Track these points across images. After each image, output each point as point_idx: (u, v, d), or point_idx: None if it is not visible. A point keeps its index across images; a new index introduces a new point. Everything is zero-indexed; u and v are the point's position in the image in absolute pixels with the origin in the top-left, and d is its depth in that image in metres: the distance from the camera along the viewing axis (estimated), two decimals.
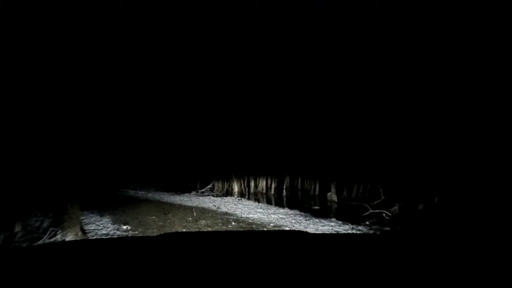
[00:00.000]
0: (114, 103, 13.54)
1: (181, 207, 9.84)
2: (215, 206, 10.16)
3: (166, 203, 10.46)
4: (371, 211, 9.98)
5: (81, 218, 7.93)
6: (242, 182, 14.31)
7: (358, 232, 7.37)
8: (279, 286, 1.05)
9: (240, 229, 6.79)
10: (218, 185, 14.43)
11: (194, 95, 14.09)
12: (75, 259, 1.30)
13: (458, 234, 7.24)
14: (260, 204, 11.02)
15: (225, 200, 11.34)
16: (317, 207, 11.15)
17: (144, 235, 6.27)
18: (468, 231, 7.29)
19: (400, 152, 11.73)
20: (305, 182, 15.46)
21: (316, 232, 6.47)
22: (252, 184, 14.55)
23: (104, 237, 6.30)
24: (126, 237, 1.76)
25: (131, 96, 13.81)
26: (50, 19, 11.25)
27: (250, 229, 6.70)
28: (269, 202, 12.18)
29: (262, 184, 14.63)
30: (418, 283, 1.09)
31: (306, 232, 1.66)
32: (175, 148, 14.58)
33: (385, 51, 10.76)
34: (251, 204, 10.78)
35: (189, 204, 10.43)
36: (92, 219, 7.82)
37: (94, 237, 6.34)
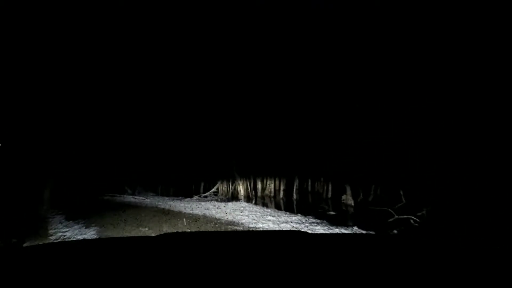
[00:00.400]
0: (112, 102, 12.67)
1: (180, 215, 8.72)
2: (219, 213, 9.02)
3: (164, 210, 9.34)
4: (397, 217, 8.78)
5: (63, 230, 6.87)
6: (248, 184, 13.14)
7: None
8: (279, 286, 1.05)
9: None
10: (222, 188, 13.30)
11: (197, 94, 13.24)
12: (75, 259, 1.30)
13: (458, 234, 7.18)
14: (268, 209, 9.88)
15: (230, 206, 10.18)
16: (332, 213, 10.01)
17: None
18: (468, 231, 7.19)
19: (422, 151, 10.59)
20: (315, 184, 14.25)
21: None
22: (259, 186, 13.39)
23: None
24: (126, 237, 1.73)
25: (130, 95, 12.95)
26: (50, 19, 10.99)
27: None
28: (278, 207, 11.11)
29: (270, 187, 13.47)
30: (418, 283, 1.08)
31: (306, 232, 1.65)
32: (177, 149, 13.47)
33: (385, 51, 10.62)
34: (259, 210, 9.63)
35: (190, 211, 9.31)
36: (76, 231, 6.72)
37: None
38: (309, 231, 6.48)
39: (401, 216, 8.80)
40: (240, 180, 12.82)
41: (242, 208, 9.62)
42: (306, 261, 1.27)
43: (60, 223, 7.61)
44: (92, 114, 12.24)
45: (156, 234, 5.08)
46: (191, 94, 13.17)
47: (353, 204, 11.36)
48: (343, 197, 12.10)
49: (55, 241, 5.96)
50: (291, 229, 7.25)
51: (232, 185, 13.20)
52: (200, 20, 11.96)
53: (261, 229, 7.13)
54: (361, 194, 12.12)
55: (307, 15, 11.29)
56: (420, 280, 1.10)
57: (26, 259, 1.31)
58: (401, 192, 11.09)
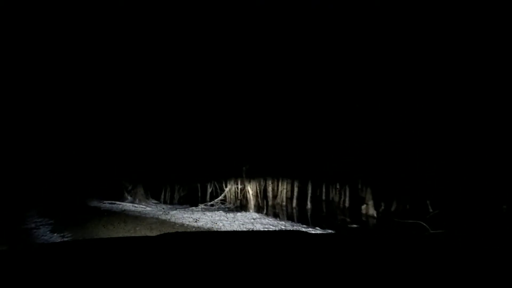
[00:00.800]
0: (113, 101, 11.94)
1: (183, 228, 7.71)
2: (226, 226, 7.95)
3: (166, 222, 8.29)
4: (432, 232, 7.61)
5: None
6: (258, 192, 12.03)
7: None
8: (279, 285, 1.04)
9: None
10: (230, 196, 12.21)
11: (201, 93, 12.54)
12: (76, 258, 1.30)
13: (458, 234, 7.00)
14: (282, 222, 8.83)
15: (240, 217, 9.11)
16: (354, 225, 8.87)
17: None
18: (468, 231, 7.05)
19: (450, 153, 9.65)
20: (330, 190, 13.00)
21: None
22: (270, 194, 12.25)
23: None
24: (126, 237, 1.74)
25: (133, 93, 12.24)
26: (50, 19, 10.62)
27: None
28: (291, 218, 10.03)
29: (282, 194, 12.32)
30: (417, 282, 1.08)
31: (306, 232, 1.72)
32: (182, 151, 12.48)
33: (385, 51, 10.49)
34: (272, 222, 8.55)
35: (194, 223, 8.25)
36: None
37: None
38: None
39: (437, 231, 7.63)
40: (250, 187, 11.72)
41: (252, 220, 8.53)
42: (306, 260, 1.27)
43: (44, 235, 6.70)
44: (90, 113, 11.42)
45: None
46: (195, 93, 12.41)
47: (375, 215, 10.19)
48: (363, 206, 10.92)
49: None
50: None
51: (241, 193, 12.11)
52: (200, 19, 11.69)
53: None
54: (383, 203, 10.90)
55: (307, 15, 11.15)
56: (420, 279, 1.08)
57: (28, 259, 1.30)
58: (428, 202, 10.00)
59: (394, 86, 10.66)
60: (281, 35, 11.62)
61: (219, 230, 7.18)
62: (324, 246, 1.48)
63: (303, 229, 7.81)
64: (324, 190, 12.89)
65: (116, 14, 11.01)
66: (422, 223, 8.06)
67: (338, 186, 12.59)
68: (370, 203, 10.62)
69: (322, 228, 8.07)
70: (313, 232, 7.53)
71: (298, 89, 12.45)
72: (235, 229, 7.55)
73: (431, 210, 9.61)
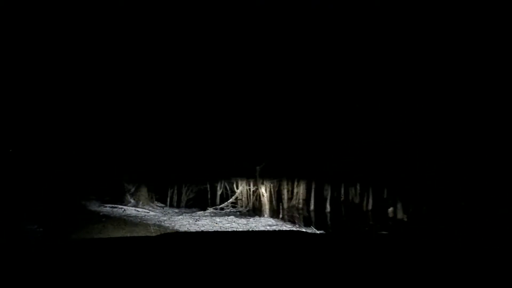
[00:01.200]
0: (111, 95, 11.40)
1: None
2: None
3: (167, 230, 7.42)
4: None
5: None
6: (273, 194, 11.05)
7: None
8: (279, 285, 1.02)
9: None
10: (242, 198, 11.30)
11: (205, 92, 12.03)
12: (77, 258, 1.30)
13: (458, 234, 6.90)
14: (303, 230, 7.83)
15: (253, 224, 8.15)
16: (384, 233, 7.85)
17: None
18: (468, 231, 6.96)
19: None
20: (350, 192, 11.88)
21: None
22: (285, 196, 11.25)
23: None
24: (126, 237, 2.25)
25: (134, 88, 11.69)
26: (50, 19, 10.44)
27: None
28: (309, 223, 9.21)
29: (298, 196, 11.31)
30: (417, 282, 1.05)
31: (306, 232, 2.03)
32: (191, 148, 11.69)
33: (385, 51, 10.58)
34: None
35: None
36: None
37: None
38: None
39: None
40: (264, 189, 10.74)
41: (268, 228, 7.55)
42: (306, 260, 1.27)
43: None
44: (89, 109, 10.81)
45: None
46: (203, 90, 11.87)
47: (405, 219, 9.12)
48: (390, 210, 9.85)
49: None
50: None
51: (253, 195, 11.13)
52: (199, 19, 11.51)
53: None
54: (411, 206, 9.82)
55: (307, 15, 11.11)
56: (419, 279, 1.06)
57: (27, 259, 1.30)
58: (463, 203, 9.05)
59: (412, 85, 10.37)
60: (281, 35, 11.48)
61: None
62: (321, 246, 1.42)
63: None
64: (343, 191, 11.82)
65: (116, 13, 10.81)
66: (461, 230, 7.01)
67: (358, 187, 11.54)
68: (399, 206, 9.54)
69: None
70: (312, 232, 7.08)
71: (310, 88, 12.12)
72: None
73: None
